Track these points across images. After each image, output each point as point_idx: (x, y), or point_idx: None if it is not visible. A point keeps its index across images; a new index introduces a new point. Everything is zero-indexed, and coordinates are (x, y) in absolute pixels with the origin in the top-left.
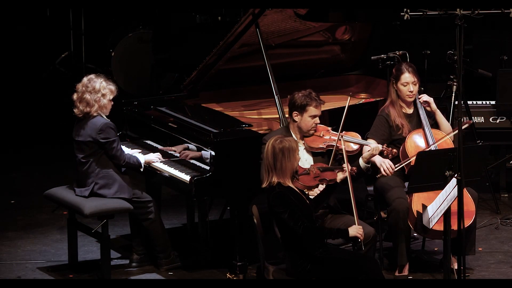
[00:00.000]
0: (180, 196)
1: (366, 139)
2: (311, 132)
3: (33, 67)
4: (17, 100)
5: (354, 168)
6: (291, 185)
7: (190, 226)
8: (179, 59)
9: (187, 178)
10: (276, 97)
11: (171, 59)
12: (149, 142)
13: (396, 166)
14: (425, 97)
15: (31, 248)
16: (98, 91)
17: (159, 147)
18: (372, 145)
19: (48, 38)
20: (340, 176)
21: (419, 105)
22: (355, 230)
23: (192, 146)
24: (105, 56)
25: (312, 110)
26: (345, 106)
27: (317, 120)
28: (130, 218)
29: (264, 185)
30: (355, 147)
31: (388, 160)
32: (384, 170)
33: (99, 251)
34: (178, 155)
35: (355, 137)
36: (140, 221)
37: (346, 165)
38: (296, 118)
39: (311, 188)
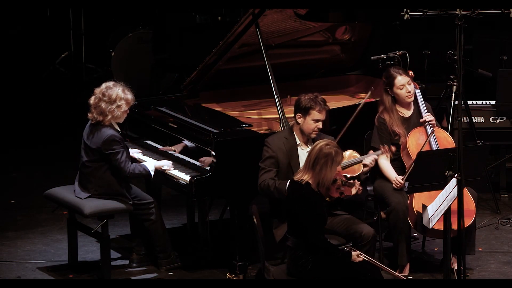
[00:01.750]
0: (180, 196)
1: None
2: (312, 135)
3: (33, 67)
4: (17, 100)
5: (360, 188)
6: (316, 190)
7: (190, 226)
8: (179, 59)
9: (187, 178)
10: (276, 97)
11: (171, 59)
12: (149, 142)
13: (403, 177)
14: (429, 117)
15: (31, 248)
16: (114, 101)
17: (159, 147)
18: (367, 160)
19: (48, 38)
20: (353, 192)
21: (420, 103)
22: (356, 258)
23: (189, 143)
24: (105, 56)
25: (315, 114)
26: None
27: (319, 124)
28: (130, 218)
29: (295, 178)
30: (358, 168)
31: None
32: (394, 186)
33: (99, 251)
34: (178, 154)
35: (354, 157)
36: (141, 222)
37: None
38: (299, 120)
39: (332, 199)
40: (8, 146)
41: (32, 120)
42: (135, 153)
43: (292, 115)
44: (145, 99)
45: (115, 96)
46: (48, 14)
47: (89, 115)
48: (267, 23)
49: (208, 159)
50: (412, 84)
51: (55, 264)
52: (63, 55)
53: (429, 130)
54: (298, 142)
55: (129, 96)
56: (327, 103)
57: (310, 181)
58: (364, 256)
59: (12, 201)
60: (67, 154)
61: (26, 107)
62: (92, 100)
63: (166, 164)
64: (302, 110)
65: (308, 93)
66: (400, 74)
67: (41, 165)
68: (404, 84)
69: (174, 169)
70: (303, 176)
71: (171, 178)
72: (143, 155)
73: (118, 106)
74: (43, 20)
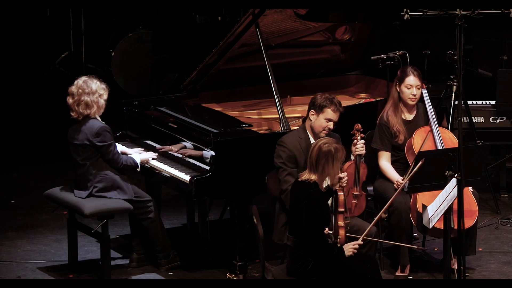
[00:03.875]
0: (180, 196)
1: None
2: (321, 135)
3: (33, 67)
4: (18, 100)
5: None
6: (323, 189)
7: (190, 226)
8: (179, 59)
9: (187, 178)
10: (276, 97)
11: (171, 59)
12: (149, 142)
13: (403, 178)
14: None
15: (31, 248)
16: (95, 92)
17: (158, 146)
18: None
19: (48, 38)
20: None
21: (427, 102)
22: (350, 249)
23: (188, 144)
24: (105, 56)
25: (329, 112)
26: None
27: (330, 125)
28: (130, 218)
29: (301, 179)
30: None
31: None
32: (396, 187)
33: (99, 251)
34: (177, 154)
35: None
36: (140, 221)
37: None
38: (312, 117)
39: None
40: (8, 146)
41: (32, 120)
42: (133, 153)
43: (292, 116)
44: (145, 99)
45: (96, 86)
46: (48, 14)
47: (72, 114)
48: (267, 23)
49: (186, 151)
50: (420, 90)
51: (55, 264)
52: (63, 55)
53: None
54: (312, 140)
55: (104, 85)
56: None
57: (318, 182)
58: (357, 243)
59: (12, 201)
60: (67, 154)
61: (27, 107)
62: (71, 99)
63: (150, 156)
64: (317, 107)
65: (325, 93)
66: (414, 76)
67: (41, 165)
68: (412, 85)
69: (174, 169)
70: (311, 176)
71: (171, 177)
72: (139, 154)
73: (101, 95)
74: (43, 20)
